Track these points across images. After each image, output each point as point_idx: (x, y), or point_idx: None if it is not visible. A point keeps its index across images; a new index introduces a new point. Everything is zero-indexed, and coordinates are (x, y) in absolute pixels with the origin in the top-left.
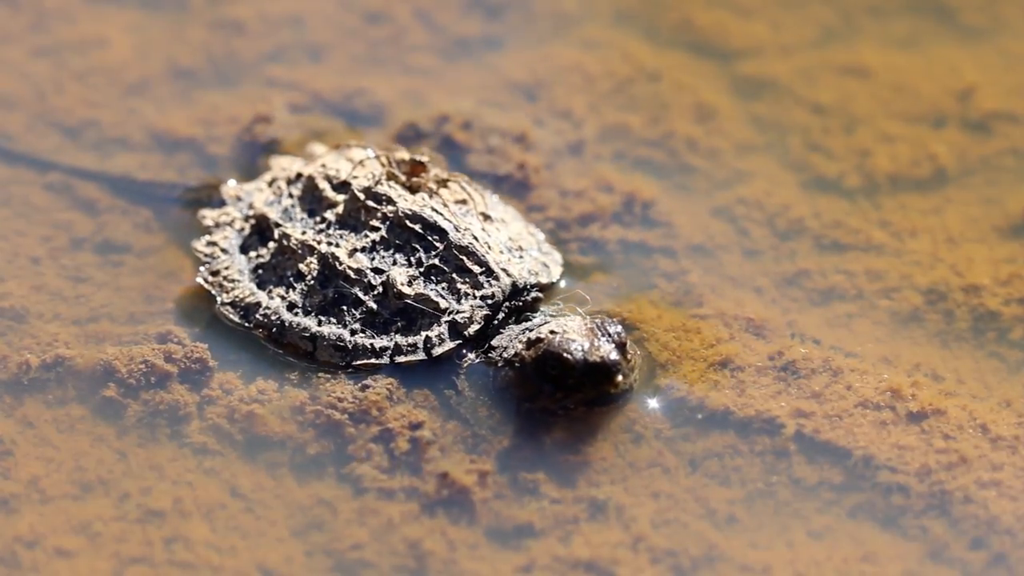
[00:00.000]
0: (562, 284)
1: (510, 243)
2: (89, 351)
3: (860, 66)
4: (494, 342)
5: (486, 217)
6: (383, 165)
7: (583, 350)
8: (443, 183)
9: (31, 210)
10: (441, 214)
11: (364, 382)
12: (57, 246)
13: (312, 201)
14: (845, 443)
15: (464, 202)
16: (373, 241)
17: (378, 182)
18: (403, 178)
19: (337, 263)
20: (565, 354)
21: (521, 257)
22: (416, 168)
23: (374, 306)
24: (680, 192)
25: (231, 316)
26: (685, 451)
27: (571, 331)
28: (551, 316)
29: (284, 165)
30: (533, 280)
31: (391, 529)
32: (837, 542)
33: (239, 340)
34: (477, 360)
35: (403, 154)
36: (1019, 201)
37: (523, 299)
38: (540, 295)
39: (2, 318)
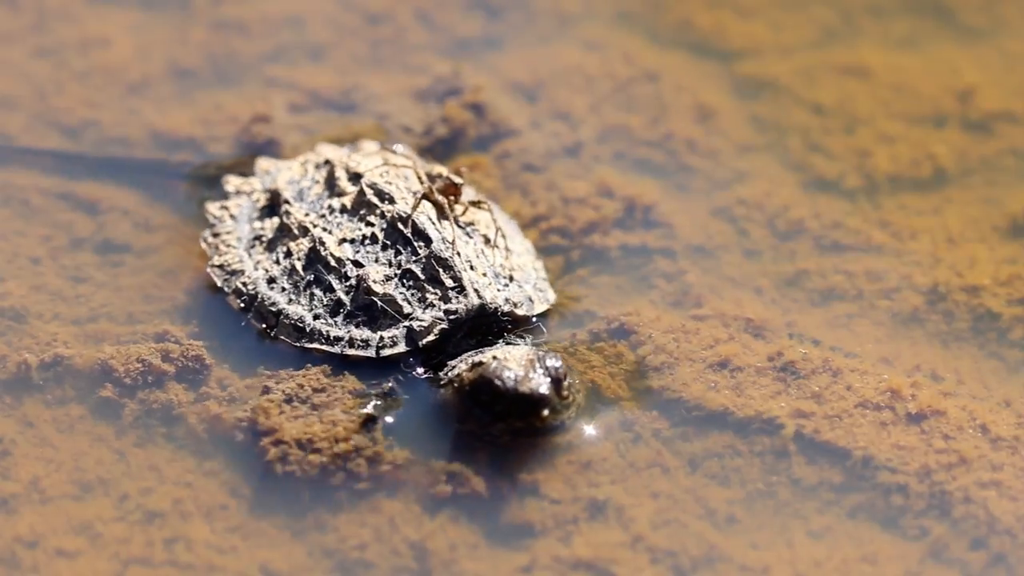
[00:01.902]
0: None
1: (500, 269)
2: (88, 351)
3: (860, 66)
4: (451, 361)
5: (487, 240)
6: (421, 181)
7: (515, 379)
8: (475, 204)
9: (31, 210)
10: (433, 223)
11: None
12: (57, 246)
13: (328, 187)
14: (845, 443)
15: (472, 223)
16: (364, 235)
17: (417, 205)
18: (438, 197)
19: (322, 248)
20: (496, 381)
21: (506, 285)
22: (450, 188)
23: (343, 297)
24: (680, 192)
25: (214, 278)
26: (685, 451)
27: (510, 359)
28: (508, 344)
29: (324, 152)
30: (507, 308)
31: (392, 529)
32: (837, 542)
33: (239, 338)
34: (424, 374)
35: (441, 169)
36: (1019, 201)
37: (492, 323)
38: (509, 322)
39: (2, 318)
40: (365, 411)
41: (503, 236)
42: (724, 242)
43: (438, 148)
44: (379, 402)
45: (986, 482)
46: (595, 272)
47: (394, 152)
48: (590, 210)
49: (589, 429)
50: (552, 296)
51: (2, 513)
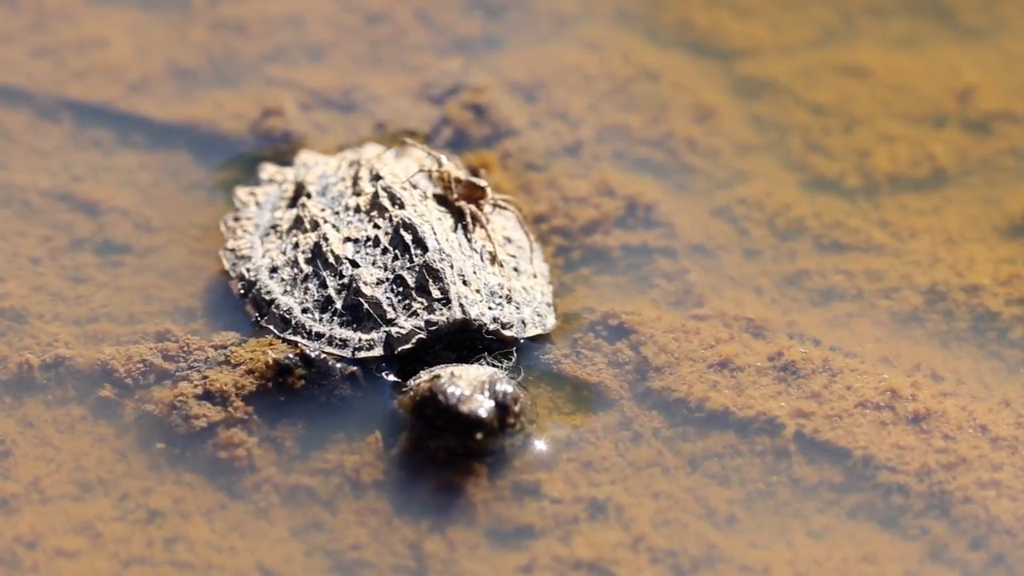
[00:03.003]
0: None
1: (498, 288)
2: (89, 351)
3: (860, 66)
4: (422, 371)
5: (493, 258)
6: (442, 180)
7: (456, 398)
8: (496, 205)
9: (31, 210)
10: (435, 233)
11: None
12: (57, 246)
13: (351, 186)
14: (845, 443)
15: (489, 238)
16: (368, 237)
17: (410, 184)
18: (453, 195)
19: (325, 244)
20: (439, 396)
21: (500, 305)
22: (474, 191)
23: (334, 295)
24: (680, 192)
25: (224, 261)
26: (685, 451)
27: (462, 377)
28: (480, 363)
29: (364, 151)
30: (492, 327)
31: (390, 529)
32: (837, 542)
33: (233, 335)
34: (394, 378)
35: (462, 173)
36: (1019, 201)
37: (477, 341)
38: (496, 342)
39: (2, 318)
40: (274, 357)
41: (513, 256)
42: (724, 242)
43: (443, 148)
44: (293, 356)
45: (986, 482)
46: (596, 272)
47: (438, 159)
48: (591, 209)
49: (537, 448)
50: (551, 322)
51: (2, 513)
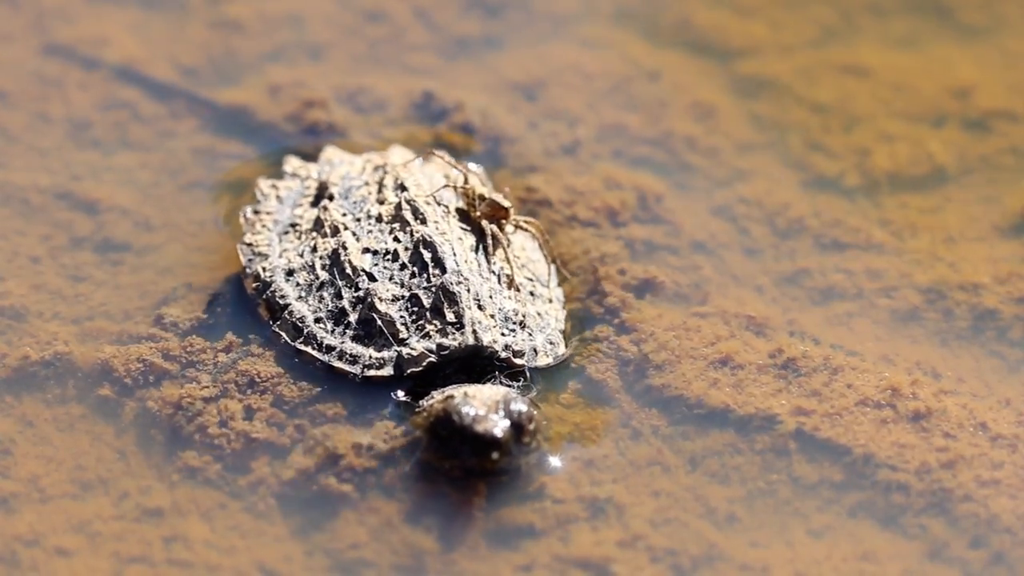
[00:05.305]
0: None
1: (512, 314)
2: (88, 350)
3: (860, 65)
4: (434, 391)
5: (511, 281)
6: (467, 196)
7: (471, 417)
8: (517, 226)
9: (31, 210)
10: (454, 254)
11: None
12: (57, 245)
13: (375, 192)
14: (845, 441)
15: (508, 260)
16: (388, 250)
17: (426, 201)
18: (476, 212)
19: (343, 252)
20: (455, 416)
21: (513, 331)
22: (496, 211)
23: (348, 306)
24: (680, 191)
25: (240, 255)
26: (685, 449)
27: (476, 397)
28: (497, 382)
29: (391, 155)
30: (504, 354)
31: (390, 529)
32: (837, 541)
33: (239, 337)
34: (405, 398)
35: (486, 190)
36: (1018, 199)
37: (487, 366)
38: (506, 367)
39: (2, 317)
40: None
41: (530, 279)
42: (725, 240)
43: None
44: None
45: (986, 480)
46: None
47: (464, 174)
48: (592, 211)
49: (552, 465)
50: (562, 350)
51: (2, 512)
